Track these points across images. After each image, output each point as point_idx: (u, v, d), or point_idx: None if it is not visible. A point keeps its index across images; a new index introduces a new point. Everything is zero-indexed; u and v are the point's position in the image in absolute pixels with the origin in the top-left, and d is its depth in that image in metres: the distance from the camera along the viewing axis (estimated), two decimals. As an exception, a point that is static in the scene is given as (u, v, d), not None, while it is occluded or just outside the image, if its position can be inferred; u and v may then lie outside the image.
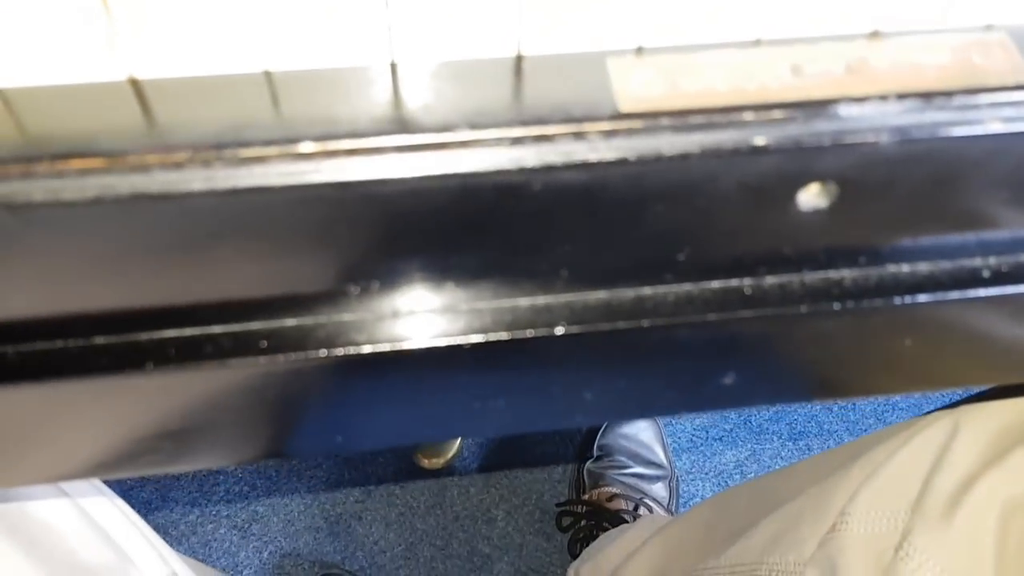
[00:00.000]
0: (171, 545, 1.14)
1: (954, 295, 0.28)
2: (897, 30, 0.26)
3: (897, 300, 0.28)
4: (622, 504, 1.04)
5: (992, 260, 0.28)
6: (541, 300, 0.27)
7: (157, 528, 1.14)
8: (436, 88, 0.24)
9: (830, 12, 0.25)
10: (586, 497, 1.08)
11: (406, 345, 0.26)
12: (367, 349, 0.26)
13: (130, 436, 0.28)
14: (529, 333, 0.27)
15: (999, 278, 0.28)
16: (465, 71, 0.25)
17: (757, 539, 0.56)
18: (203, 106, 0.23)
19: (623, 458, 1.10)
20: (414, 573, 1.14)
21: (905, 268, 0.28)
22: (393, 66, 0.25)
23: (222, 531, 1.15)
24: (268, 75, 0.24)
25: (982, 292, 0.28)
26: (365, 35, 0.24)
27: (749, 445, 1.22)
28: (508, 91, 0.24)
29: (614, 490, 1.06)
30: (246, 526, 1.15)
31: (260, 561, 1.14)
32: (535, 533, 1.16)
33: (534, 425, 0.30)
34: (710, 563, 0.62)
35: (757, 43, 0.25)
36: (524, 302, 0.27)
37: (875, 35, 0.26)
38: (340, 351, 0.26)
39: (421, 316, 0.26)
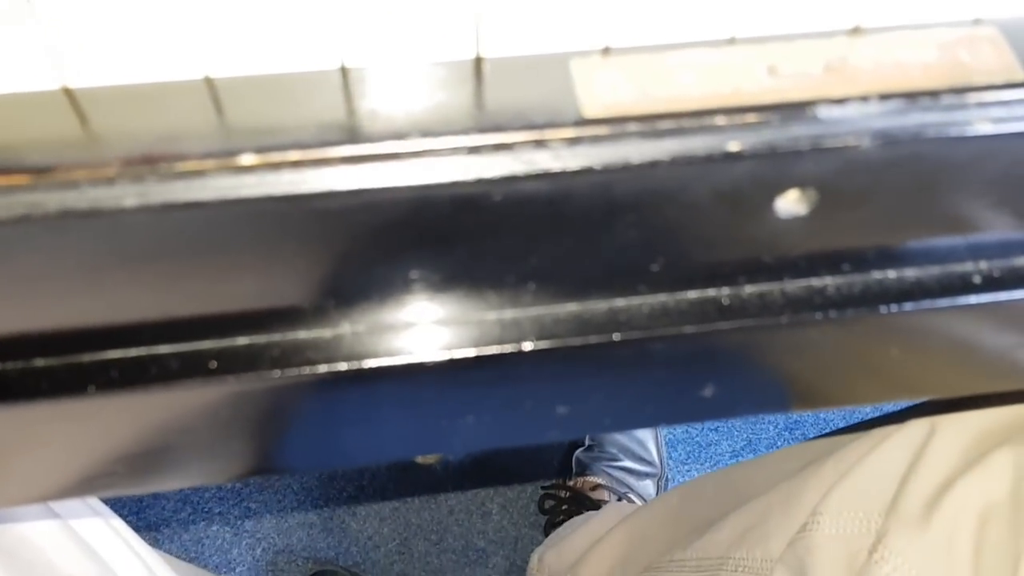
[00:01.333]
0: (163, 543, 1.13)
1: (943, 303, 0.26)
2: (880, 25, 0.24)
3: (883, 309, 0.26)
4: (605, 495, 1.04)
5: (984, 265, 0.27)
6: (508, 314, 0.26)
7: (149, 526, 1.13)
8: (389, 94, 0.23)
9: (809, 7, 0.24)
10: (571, 483, 1.07)
11: (366, 364, 0.25)
12: (323, 369, 0.24)
13: (79, 460, 0.26)
14: (496, 349, 0.25)
15: (991, 284, 0.27)
16: (421, 75, 0.23)
17: (725, 533, 0.56)
18: (140, 116, 0.22)
19: (614, 450, 1.09)
20: (409, 568, 1.13)
21: (891, 274, 0.27)
22: (344, 71, 0.23)
23: (214, 528, 1.14)
24: (209, 81, 0.23)
25: (973, 299, 0.27)
26: (314, 38, 0.23)
27: (745, 434, 1.21)
28: (466, 96, 0.23)
29: (599, 480, 1.05)
30: (238, 523, 1.14)
31: (253, 558, 1.13)
32: (530, 526, 1.15)
33: (506, 441, 0.29)
34: (676, 555, 0.61)
35: (732, 41, 0.24)
36: (491, 316, 0.26)
37: (856, 31, 0.24)
38: (295, 371, 0.24)
39: (380, 333, 0.25)
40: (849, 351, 0.28)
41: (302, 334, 0.25)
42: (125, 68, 0.22)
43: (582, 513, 1.02)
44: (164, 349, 0.25)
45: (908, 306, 0.26)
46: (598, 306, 0.26)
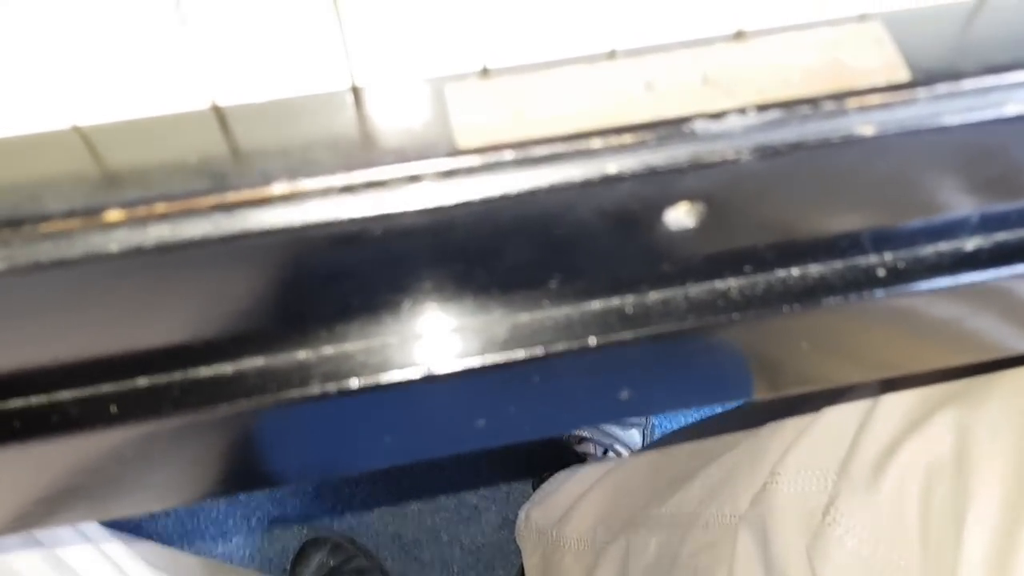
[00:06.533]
0: (159, 518, 1.14)
1: (848, 298, 0.26)
2: (764, 27, 0.24)
3: (786, 308, 0.26)
4: (590, 448, 1.05)
5: (888, 256, 0.27)
6: (410, 338, 0.26)
7: (143, 503, 1.14)
8: (261, 132, 0.22)
9: (691, 14, 0.23)
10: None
11: (266, 400, 0.25)
12: (224, 409, 0.24)
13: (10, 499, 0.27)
14: (401, 375, 0.25)
15: (896, 276, 0.27)
16: (295, 110, 0.23)
17: (696, 489, 0.57)
18: (6, 173, 0.21)
19: (599, 402, 1.10)
20: (403, 529, 1.14)
21: (795, 272, 0.26)
22: (216, 110, 0.23)
23: (208, 500, 1.15)
24: (78, 131, 0.22)
25: (879, 293, 0.26)
26: (182, 78, 0.22)
27: (729, 380, 1.21)
28: (339, 131, 0.22)
29: (584, 433, 1.06)
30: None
31: (248, 528, 1.14)
32: (521, 481, 1.16)
33: (424, 454, 0.29)
34: (652, 511, 0.62)
35: (612, 55, 0.23)
36: (392, 341, 0.26)
37: (740, 35, 0.24)
38: (195, 410, 0.24)
39: (277, 370, 0.25)
40: (758, 348, 0.28)
41: (203, 371, 0.25)
42: (-10, 123, 0.22)
43: (568, 467, 1.03)
44: (65, 395, 0.25)
45: (812, 303, 0.26)
46: (500, 324, 0.26)
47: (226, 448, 0.27)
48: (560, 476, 0.98)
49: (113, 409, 0.24)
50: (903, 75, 0.23)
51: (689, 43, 0.23)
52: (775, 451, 0.49)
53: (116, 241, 0.21)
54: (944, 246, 0.27)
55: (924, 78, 0.23)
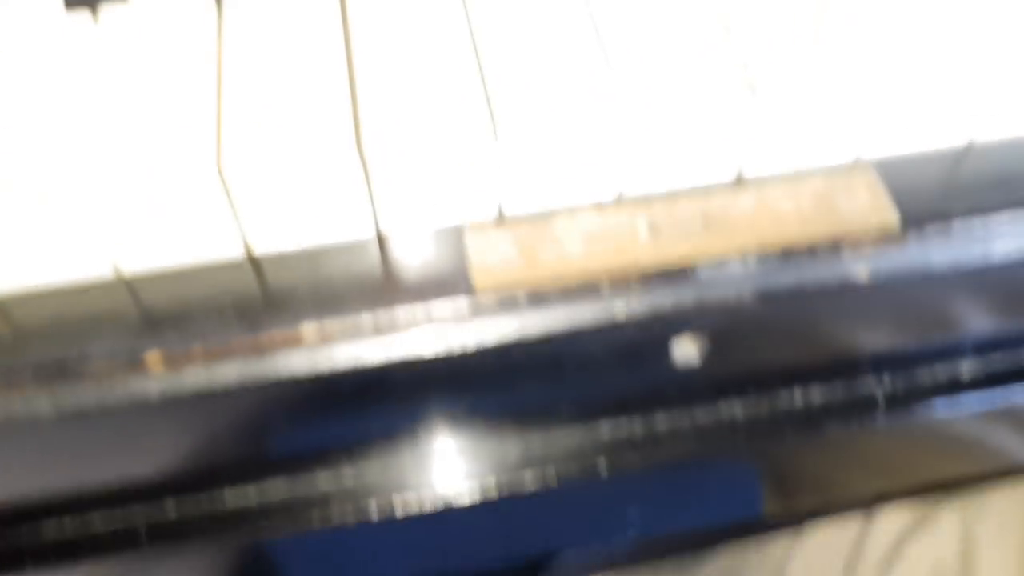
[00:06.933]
0: None
1: (849, 423, 0.27)
2: (763, 173, 0.25)
3: (790, 434, 0.27)
4: None
5: (887, 380, 0.28)
6: (424, 461, 0.27)
7: None
8: (292, 279, 0.24)
9: (692, 160, 0.25)
10: None
11: (288, 528, 0.26)
12: (247, 535, 0.26)
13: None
14: (413, 502, 0.26)
15: (895, 400, 0.28)
16: (323, 257, 0.24)
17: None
18: (51, 319, 0.23)
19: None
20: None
21: (798, 396, 0.28)
22: (251, 259, 0.24)
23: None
24: (120, 277, 0.24)
25: (879, 419, 0.28)
26: (217, 228, 0.24)
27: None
28: (365, 276, 0.24)
29: None
30: None
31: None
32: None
33: (434, 571, 0.30)
34: None
35: (619, 200, 0.25)
36: (408, 463, 0.27)
37: (740, 181, 0.25)
38: (218, 538, 0.26)
39: (299, 499, 0.26)
40: (762, 471, 0.29)
41: (230, 500, 0.26)
42: (35, 270, 0.23)
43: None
44: (97, 522, 0.26)
45: (813, 428, 0.27)
46: (513, 446, 0.27)
47: (244, 566, 0.28)
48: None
49: (142, 534, 0.25)
50: (893, 219, 0.24)
51: (691, 190, 0.25)
52: (781, 546, 0.50)
53: (155, 386, 0.22)
54: (940, 369, 0.28)
55: (914, 221, 0.24)
